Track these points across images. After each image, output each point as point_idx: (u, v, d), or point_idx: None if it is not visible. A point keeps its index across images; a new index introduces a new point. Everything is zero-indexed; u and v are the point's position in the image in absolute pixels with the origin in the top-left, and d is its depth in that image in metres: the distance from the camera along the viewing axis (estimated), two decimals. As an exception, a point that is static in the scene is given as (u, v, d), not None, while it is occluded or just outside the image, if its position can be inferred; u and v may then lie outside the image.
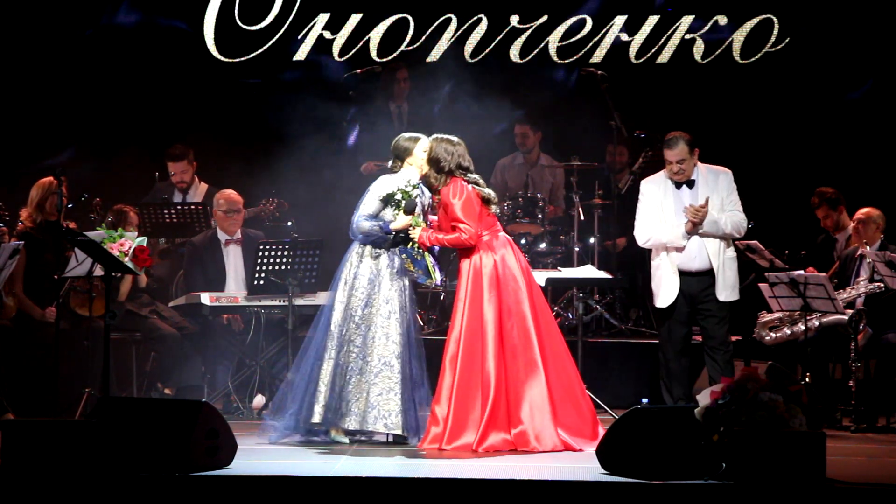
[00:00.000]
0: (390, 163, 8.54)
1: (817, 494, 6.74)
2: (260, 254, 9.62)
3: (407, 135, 8.54)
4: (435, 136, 8.46)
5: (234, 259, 10.20)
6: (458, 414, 8.15)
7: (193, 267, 10.22)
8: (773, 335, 9.83)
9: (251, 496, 6.86)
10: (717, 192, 8.97)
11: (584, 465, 7.53)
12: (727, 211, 8.95)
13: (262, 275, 9.60)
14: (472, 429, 8.11)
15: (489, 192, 8.44)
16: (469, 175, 8.40)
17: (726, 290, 8.96)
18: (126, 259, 8.29)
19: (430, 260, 8.37)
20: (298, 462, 7.70)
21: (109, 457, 6.98)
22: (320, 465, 7.60)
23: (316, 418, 8.28)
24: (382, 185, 8.41)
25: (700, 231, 8.90)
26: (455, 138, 8.43)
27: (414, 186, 8.36)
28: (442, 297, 11.35)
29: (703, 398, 7.03)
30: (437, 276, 8.41)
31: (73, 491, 6.82)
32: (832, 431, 8.82)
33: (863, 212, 9.96)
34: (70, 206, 10.02)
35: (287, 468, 7.42)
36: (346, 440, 8.29)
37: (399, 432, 8.24)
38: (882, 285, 9.44)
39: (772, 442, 6.79)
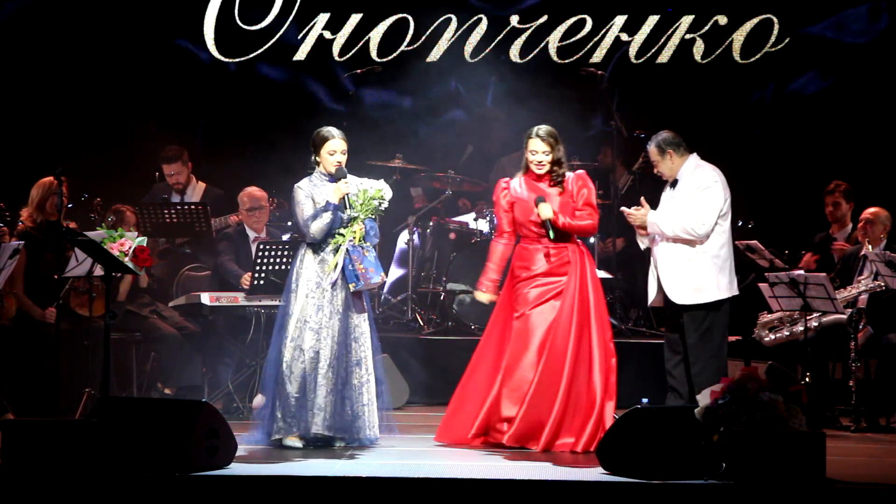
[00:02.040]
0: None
1: (817, 494, 6.75)
2: (260, 254, 9.63)
3: (326, 129, 8.38)
4: (546, 130, 8.38)
5: None
6: (531, 414, 8.12)
7: (229, 254, 10.21)
8: (772, 336, 9.84)
9: (251, 496, 6.86)
10: (688, 190, 8.60)
11: (583, 466, 7.52)
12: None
13: (262, 275, 9.60)
14: (542, 430, 8.09)
15: None
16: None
17: (676, 291, 8.48)
18: (126, 259, 8.29)
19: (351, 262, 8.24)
20: (298, 462, 7.69)
21: (109, 457, 6.98)
22: (320, 465, 7.59)
23: (277, 434, 8.17)
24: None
25: (649, 233, 8.61)
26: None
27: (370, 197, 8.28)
28: (442, 298, 11.34)
29: (703, 398, 7.03)
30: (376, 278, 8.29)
31: (73, 491, 6.82)
32: (832, 431, 8.81)
33: (870, 211, 9.90)
34: (70, 205, 10.02)
35: (287, 468, 7.42)
36: (300, 444, 8.17)
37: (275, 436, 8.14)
38: (882, 284, 9.44)
39: (772, 442, 6.79)
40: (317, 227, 8.20)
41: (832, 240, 10.62)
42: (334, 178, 8.29)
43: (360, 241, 8.23)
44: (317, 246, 8.28)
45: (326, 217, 8.20)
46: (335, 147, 8.30)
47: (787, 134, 12.26)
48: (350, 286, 8.20)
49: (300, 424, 8.12)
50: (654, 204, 8.75)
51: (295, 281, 8.25)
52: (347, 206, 8.22)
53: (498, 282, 8.59)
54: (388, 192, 8.34)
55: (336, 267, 8.19)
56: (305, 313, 8.18)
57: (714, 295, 8.49)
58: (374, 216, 8.29)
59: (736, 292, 8.62)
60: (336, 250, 8.24)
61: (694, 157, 8.69)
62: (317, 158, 8.35)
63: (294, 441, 8.15)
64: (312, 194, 8.28)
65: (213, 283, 10.29)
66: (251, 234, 10.33)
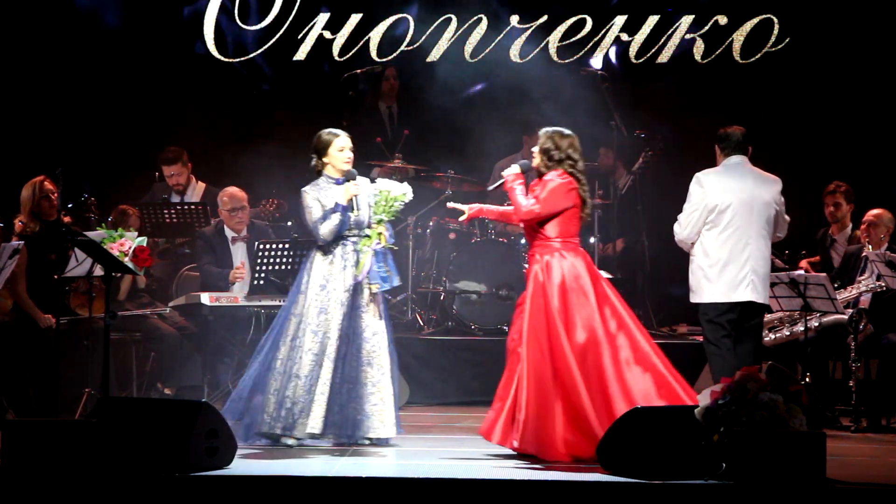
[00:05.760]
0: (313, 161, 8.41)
1: (817, 494, 6.75)
2: (259, 254, 9.62)
3: (328, 130, 8.43)
4: (546, 129, 8.12)
5: (241, 256, 10.19)
6: (534, 421, 7.75)
7: (206, 256, 10.21)
8: (773, 336, 9.84)
9: (251, 496, 6.86)
10: None
11: (584, 466, 7.52)
12: None
13: (262, 275, 9.60)
14: (550, 435, 7.72)
15: (587, 194, 8.09)
16: (577, 167, 8.05)
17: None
18: (126, 259, 8.29)
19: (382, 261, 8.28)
20: (298, 462, 7.69)
21: (109, 457, 6.99)
22: (320, 465, 7.60)
23: (263, 427, 8.13)
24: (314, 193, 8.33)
25: None
26: (566, 131, 8.11)
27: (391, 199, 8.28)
28: (442, 298, 11.34)
29: (703, 398, 7.03)
30: (395, 279, 8.33)
31: (73, 491, 6.82)
32: (832, 431, 8.81)
33: (873, 213, 9.89)
34: (70, 205, 10.02)
35: (287, 468, 7.42)
36: (293, 443, 8.14)
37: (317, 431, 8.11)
38: (883, 284, 9.44)
39: (772, 442, 6.79)
40: (327, 229, 8.25)
41: (832, 241, 10.60)
42: (343, 179, 8.32)
43: (385, 243, 8.29)
44: (326, 248, 8.31)
45: (335, 218, 8.24)
46: (344, 144, 8.37)
47: (786, 133, 12.26)
48: (373, 287, 8.24)
49: (296, 424, 8.10)
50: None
51: (305, 283, 8.28)
52: (356, 207, 8.27)
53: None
54: (409, 194, 8.38)
55: (363, 268, 8.22)
56: (309, 315, 8.21)
57: (698, 298, 8.65)
58: (392, 218, 8.33)
59: (726, 299, 8.56)
60: (356, 251, 8.26)
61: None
62: (323, 161, 8.38)
63: (288, 440, 8.14)
64: (319, 197, 8.31)
65: (201, 287, 10.28)
66: (230, 234, 10.29)
